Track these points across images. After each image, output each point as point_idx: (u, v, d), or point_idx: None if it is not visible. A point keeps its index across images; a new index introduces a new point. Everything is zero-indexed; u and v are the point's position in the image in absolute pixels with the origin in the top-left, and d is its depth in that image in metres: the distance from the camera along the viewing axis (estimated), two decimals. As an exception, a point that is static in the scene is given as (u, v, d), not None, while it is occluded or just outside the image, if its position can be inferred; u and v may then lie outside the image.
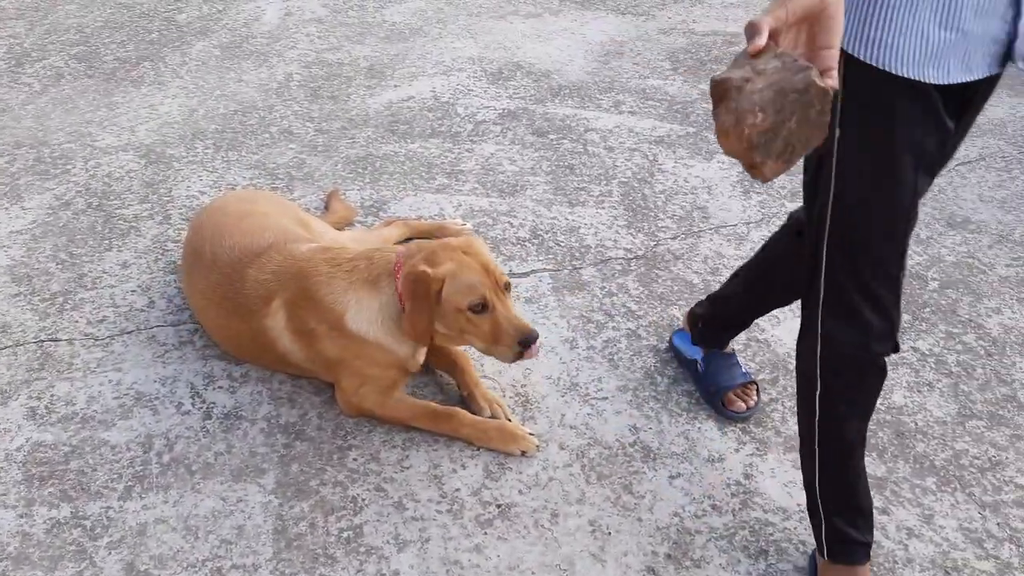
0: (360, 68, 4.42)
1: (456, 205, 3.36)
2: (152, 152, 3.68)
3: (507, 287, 2.31)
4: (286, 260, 2.48)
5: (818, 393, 1.84)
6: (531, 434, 2.38)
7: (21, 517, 2.16)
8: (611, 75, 4.42)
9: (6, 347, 2.67)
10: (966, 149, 3.86)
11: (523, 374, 2.61)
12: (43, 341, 2.70)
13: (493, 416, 2.42)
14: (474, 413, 2.42)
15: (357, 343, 2.37)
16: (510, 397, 2.53)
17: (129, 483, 2.26)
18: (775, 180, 3.52)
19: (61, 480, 2.26)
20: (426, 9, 5.15)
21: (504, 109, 4.06)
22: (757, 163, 1.29)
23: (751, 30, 1.25)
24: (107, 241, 3.14)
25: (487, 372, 2.60)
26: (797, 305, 2.92)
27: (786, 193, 3.51)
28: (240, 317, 2.50)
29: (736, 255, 3.14)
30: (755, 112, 1.25)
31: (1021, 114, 4.17)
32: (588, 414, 2.49)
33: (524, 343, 2.23)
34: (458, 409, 2.40)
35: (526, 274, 3.01)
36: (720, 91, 1.28)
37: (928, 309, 2.95)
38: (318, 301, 2.38)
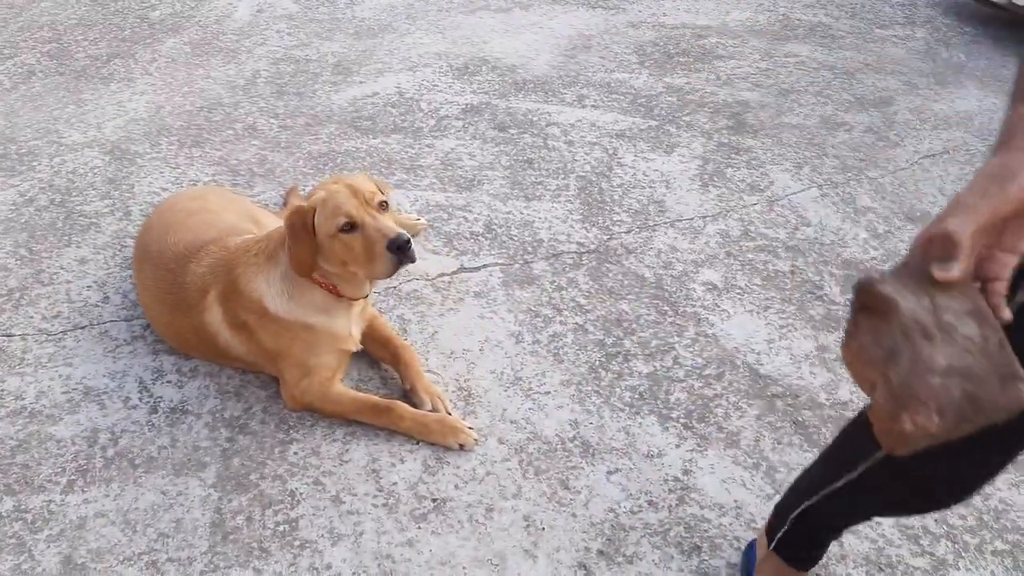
0: (327, 64, 4.44)
1: (413, 200, 3.38)
2: (117, 149, 3.70)
3: (383, 205, 2.31)
4: (220, 253, 2.52)
5: (865, 466, 1.56)
6: (471, 428, 2.40)
7: (-37, 511, 2.20)
8: (576, 69, 4.43)
9: (-41, 343, 2.70)
10: (930, 142, 3.88)
11: (467, 368, 2.64)
12: (-3, 337, 2.73)
13: (434, 409, 2.44)
14: (416, 407, 2.44)
15: (284, 327, 2.40)
16: (453, 391, 2.56)
17: (72, 477, 2.29)
18: (734, 173, 3.54)
19: (6, 474, 2.29)
20: (396, 5, 5.16)
21: (467, 104, 4.07)
22: (896, 448, 0.97)
23: (944, 245, 0.87)
24: (67, 237, 3.17)
25: (431, 367, 2.63)
26: (754, 297, 2.97)
27: (744, 187, 3.53)
28: (182, 312, 2.53)
29: (690, 249, 3.16)
30: (928, 411, 0.90)
31: (987, 106, 4.18)
32: (530, 408, 2.51)
33: (393, 247, 2.20)
34: (398, 402, 2.42)
35: (477, 268, 3.04)
36: (874, 303, 0.93)
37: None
38: (240, 291, 2.42)
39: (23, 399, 2.51)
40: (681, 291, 2.97)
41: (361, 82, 4.26)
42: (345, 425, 2.44)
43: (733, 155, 3.74)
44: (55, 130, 3.85)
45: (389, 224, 2.25)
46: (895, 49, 4.81)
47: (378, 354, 2.63)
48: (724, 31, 4.88)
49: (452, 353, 2.69)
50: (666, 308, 2.89)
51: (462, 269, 3.03)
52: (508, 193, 3.45)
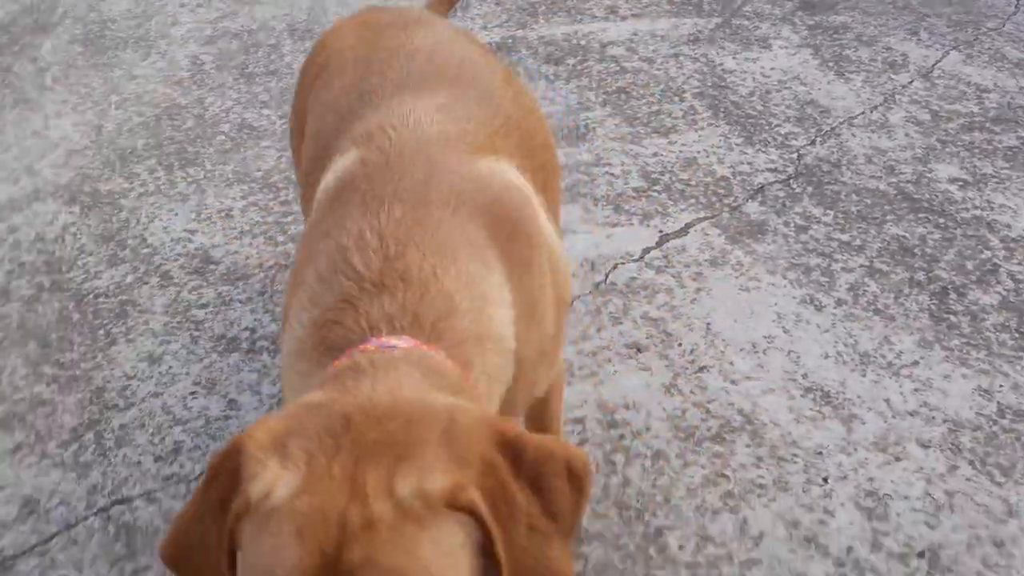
0: (278, 31, 3.43)
1: (529, 167, 2.57)
2: (80, 193, 2.61)
3: None
4: None
5: None
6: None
7: None
8: (581, -21, 3.69)
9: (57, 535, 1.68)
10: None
11: (791, 359, 1.93)
12: (105, 508, 1.72)
13: None
14: None
15: None
16: (809, 400, 1.85)
17: None
18: (857, 55, 2.97)
19: None
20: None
21: (491, 42, 3.24)
22: None
23: None
24: (101, 331, 2.12)
25: (742, 371, 1.90)
26: (1020, 184, 2.33)
27: (883, 66, 2.97)
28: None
29: (896, 146, 2.57)
30: None
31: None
32: (915, 389, 1.85)
33: None
34: None
35: (683, 231, 2.31)
36: None
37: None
38: None
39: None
40: (936, 196, 2.38)
41: (344, 43, 3.31)
42: None
43: (836, 35, 3.16)
44: (-44, 190, 2.68)
45: None
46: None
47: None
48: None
49: (754, 346, 1.97)
50: (940, 220, 2.30)
51: (665, 236, 2.29)
52: (633, 132, 2.70)
